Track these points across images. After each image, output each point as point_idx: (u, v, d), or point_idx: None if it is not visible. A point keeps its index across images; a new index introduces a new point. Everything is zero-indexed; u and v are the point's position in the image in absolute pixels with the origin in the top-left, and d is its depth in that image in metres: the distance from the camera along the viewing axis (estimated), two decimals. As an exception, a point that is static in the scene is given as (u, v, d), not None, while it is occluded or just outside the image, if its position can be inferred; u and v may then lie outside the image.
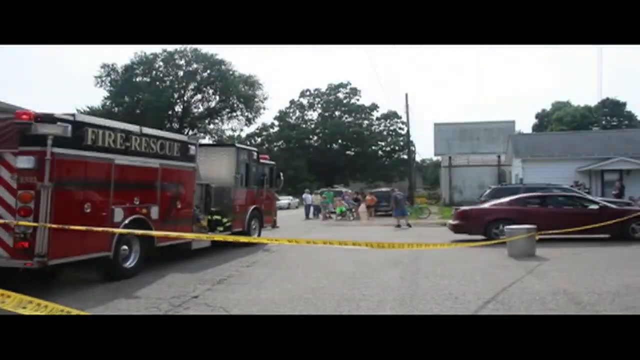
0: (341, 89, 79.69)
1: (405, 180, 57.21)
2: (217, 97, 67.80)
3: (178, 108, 67.09)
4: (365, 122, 79.41)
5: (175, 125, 64.26)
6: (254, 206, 15.93)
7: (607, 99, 72.44)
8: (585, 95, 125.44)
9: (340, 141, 77.77)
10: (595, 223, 14.69)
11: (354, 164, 76.12)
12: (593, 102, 79.75)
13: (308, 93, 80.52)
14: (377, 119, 79.87)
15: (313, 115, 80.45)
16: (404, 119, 57.05)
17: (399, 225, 23.42)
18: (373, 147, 77.94)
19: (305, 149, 76.36)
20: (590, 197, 18.79)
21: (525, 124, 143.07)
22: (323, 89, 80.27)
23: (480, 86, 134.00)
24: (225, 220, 14.06)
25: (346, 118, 79.10)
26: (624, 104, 75.20)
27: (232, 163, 14.82)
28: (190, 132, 61.25)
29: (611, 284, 8.46)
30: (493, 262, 11.41)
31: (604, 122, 67.43)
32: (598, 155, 33.06)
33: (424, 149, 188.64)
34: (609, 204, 16.40)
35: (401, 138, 74.40)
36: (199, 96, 68.04)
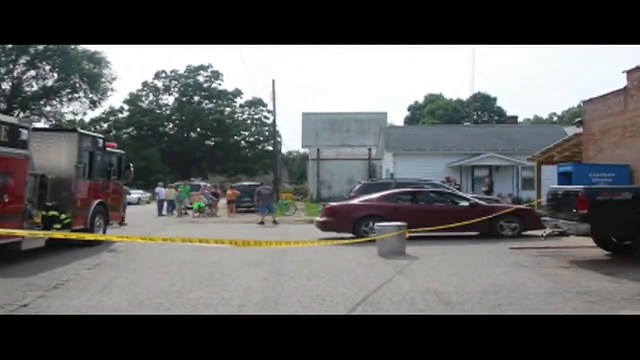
0: (201, 72, 78.38)
1: (270, 173, 57.71)
2: (56, 75, 63.64)
3: (6, 85, 62.08)
4: (228, 109, 78.91)
5: (3, 106, 59.47)
6: (98, 200, 15.26)
7: (479, 93, 78.14)
8: (458, 89, 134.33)
9: (199, 129, 76.59)
10: (466, 220, 15.80)
11: (213, 155, 75.35)
12: (465, 95, 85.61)
13: (164, 75, 78.32)
14: (241, 106, 79.69)
15: (169, 99, 78.55)
16: (271, 107, 57.39)
17: (262, 222, 23.60)
18: (235, 137, 77.69)
19: (159, 137, 74.30)
20: (461, 193, 20.16)
21: (398, 117, 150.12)
22: (181, 71, 78.51)
23: (360, 83, 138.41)
24: (63, 216, 13.33)
25: (206, 104, 78.05)
26: (495, 99, 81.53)
27: (73, 151, 14.09)
28: (22, 115, 56.97)
29: (480, 283, 9.15)
30: (362, 261, 11.86)
31: (475, 117, 72.58)
32: (469, 151, 35.55)
33: (292, 140, 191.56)
34: (479, 201, 17.70)
35: (267, 128, 74.84)
36: (32, 72, 63.44)
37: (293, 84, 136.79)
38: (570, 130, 30.58)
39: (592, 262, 11.42)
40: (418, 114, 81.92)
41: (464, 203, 17.06)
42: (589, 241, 12.77)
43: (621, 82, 18.14)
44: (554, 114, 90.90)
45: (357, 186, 23.87)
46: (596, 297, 7.86)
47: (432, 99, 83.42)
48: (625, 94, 18.06)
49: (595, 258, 11.96)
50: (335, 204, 17.89)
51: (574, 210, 10.86)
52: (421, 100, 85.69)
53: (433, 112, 77.17)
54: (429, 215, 16.16)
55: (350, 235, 15.79)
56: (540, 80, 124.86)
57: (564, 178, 18.23)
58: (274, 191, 27.35)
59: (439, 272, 10.28)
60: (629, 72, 17.87)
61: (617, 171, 17.32)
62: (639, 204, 10.57)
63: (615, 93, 18.72)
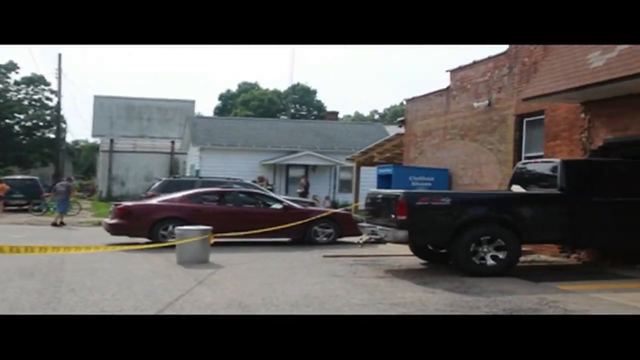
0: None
1: (50, 165, 54.61)
2: None
3: None
4: (-1, 85, 73.36)
5: None
6: None
7: (298, 84, 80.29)
8: (276, 78, 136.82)
9: (-43, 108, 70.22)
10: (278, 224, 16.12)
11: (-25, 141, 69.57)
12: (284, 86, 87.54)
13: None
14: (17, 83, 74.38)
15: None
16: (55, 87, 54.30)
17: (56, 224, 22.79)
18: (7, 121, 72.33)
19: None
20: (273, 195, 20.54)
21: (207, 106, 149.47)
22: None
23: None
24: None
25: (-32, 77, 71.78)
26: (315, 92, 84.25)
27: None
28: None
29: (290, 294, 9.36)
30: (158, 270, 11.65)
31: (293, 111, 74.45)
32: (285, 148, 36.36)
33: (82, 128, 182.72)
34: (293, 204, 18.15)
35: (49, 111, 70.67)
36: None
37: (88, 64, 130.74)
38: (392, 130, 32.50)
39: (407, 271, 12.19)
40: (230, 104, 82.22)
41: (277, 206, 17.40)
42: (405, 249, 13.62)
43: (446, 81, 19.65)
44: (376, 111, 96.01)
45: (157, 184, 23.48)
46: (410, 309, 8.40)
47: (246, 88, 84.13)
48: (447, 94, 19.58)
49: (411, 267, 12.78)
50: (129, 203, 17.45)
51: (393, 216, 11.50)
52: (234, 88, 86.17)
53: (247, 103, 77.87)
54: (237, 218, 16.29)
55: (146, 240, 15.47)
56: (363, 73, 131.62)
57: (383, 181, 19.31)
58: (72, 187, 26.09)
59: (246, 283, 10.38)
60: (452, 72, 19.41)
61: (437, 175, 18.69)
62: (457, 211, 11.47)
63: (438, 93, 20.22)
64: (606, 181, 12.05)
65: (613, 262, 12.83)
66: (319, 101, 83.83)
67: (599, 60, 11.80)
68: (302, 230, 16.76)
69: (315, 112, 79.61)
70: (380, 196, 12.70)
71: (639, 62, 10.71)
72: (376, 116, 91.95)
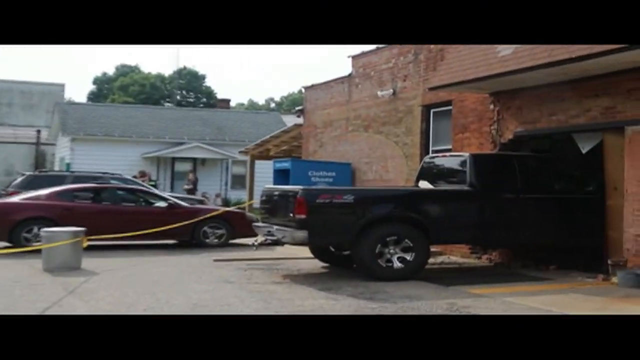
0: None
1: None
2: None
3: None
4: None
5: None
6: None
7: (185, 68, 79.21)
8: (159, 61, 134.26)
9: None
10: (163, 225, 15.78)
11: None
12: (168, 70, 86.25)
13: None
14: None
15: None
16: None
17: None
18: None
19: None
20: (157, 192, 20.12)
21: (80, 91, 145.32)
22: None
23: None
24: None
25: None
26: (204, 77, 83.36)
27: None
28: None
29: (177, 304, 9.13)
30: (20, 279, 11.18)
31: (179, 97, 73.43)
32: (170, 139, 35.76)
33: None
34: (179, 202, 17.82)
35: None
36: None
37: None
38: (290, 120, 32.56)
39: (308, 276, 12.16)
40: (107, 89, 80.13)
41: (161, 204, 17.07)
42: (305, 251, 13.60)
43: (348, 68, 19.77)
44: (272, 99, 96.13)
45: (19, 179, 22.47)
46: (312, 318, 8.34)
47: (125, 71, 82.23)
48: (350, 81, 19.73)
49: (311, 271, 12.77)
50: (-14, 201, 16.66)
51: (291, 215, 11.44)
52: (111, 72, 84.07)
53: (126, 88, 76.08)
54: (115, 218, 15.87)
55: (5, 244, 14.91)
56: (257, 57, 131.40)
57: (280, 176, 19.27)
58: None
59: (125, 292, 10.07)
60: (354, 58, 19.57)
61: (339, 170, 18.82)
62: (360, 209, 11.52)
63: (339, 80, 20.34)
64: (517, 177, 12.42)
65: (525, 263, 13.26)
66: (208, 87, 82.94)
67: (507, 49, 12.12)
68: (189, 231, 16.52)
69: (205, 100, 78.75)
70: (277, 193, 12.62)
71: (546, 52, 11.06)
72: (272, 105, 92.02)
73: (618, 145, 11.88)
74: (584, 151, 12.96)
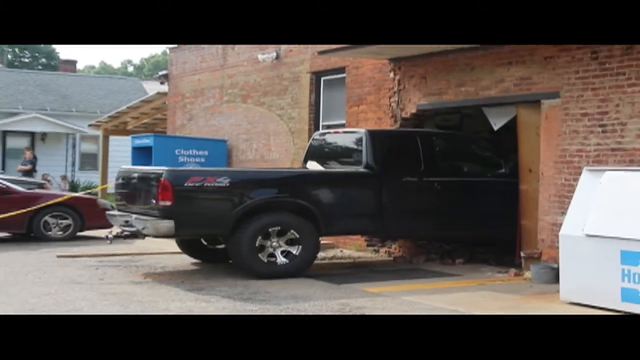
0: None
1: None
2: None
3: None
4: None
5: None
6: None
7: (18, 21, 76.64)
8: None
9: None
10: (-7, 214, 15.39)
11: None
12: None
13: None
14: None
15: None
16: None
17: None
18: None
19: None
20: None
21: None
22: None
23: None
24: None
25: None
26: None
27: None
28: None
29: (8, 311, 8.93)
30: None
31: (10, 57, 71.12)
32: (1, 109, 34.69)
33: None
34: (13, 185, 17.36)
35: None
36: None
37: None
38: (152, 87, 32.15)
39: (174, 274, 12.16)
40: None
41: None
42: (171, 245, 13.56)
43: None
44: (130, 62, 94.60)
45: None
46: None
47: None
48: (225, 41, 19.64)
49: (179, 269, 12.76)
50: None
51: (153, 201, 11.35)
52: None
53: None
54: None
55: None
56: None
57: (141, 155, 19.10)
58: None
59: (-53, 296, 9.81)
60: (231, 13, 19.47)
61: (213, 148, 18.83)
62: (238, 194, 11.54)
63: (212, 39, 20.19)
64: (420, 157, 12.74)
65: (429, 257, 13.68)
66: (48, 45, 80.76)
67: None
68: (26, 222, 16.24)
69: (44, 61, 76.60)
70: (136, 175, 12.46)
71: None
72: (130, 68, 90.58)
73: (533, 121, 12.32)
74: (495, 128, 13.41)
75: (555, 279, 10.39)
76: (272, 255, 11.52)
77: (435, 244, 14.12)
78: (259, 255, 11.44)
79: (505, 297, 10.16)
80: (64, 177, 33.05)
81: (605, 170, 9.89)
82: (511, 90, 12.31)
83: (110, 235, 14.36)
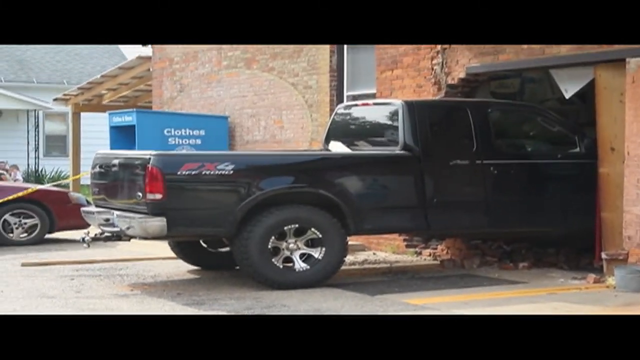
0: None
1: None
2: None
3: None
4: None
5: None
6: None
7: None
8: None
9: None
10: None
11: None
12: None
13: None
14: None
15: None
16: None
17: None
18: None
19: None
20: None
21: None
22: None
23: None
24: None
25: None
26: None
27: None
28: None
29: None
30: None
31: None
32: None
33: None
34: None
35: None
36: None
37: None
38: (132, 52, 32.09)
39: (168, 284, 12.19)
40: None
41: None
42: (164, 249, 13.55)
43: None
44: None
45: None
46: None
47: None
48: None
49: (173, 278, 12.79)
50: None
51: (140, 194, 11.32)
52: None
53: None
54: None
55: None
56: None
57: (121, 136, 19.12)
58: None
59: None
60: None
61: (211, 126, 18.79)
62: (245, 184, 11.47)
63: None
64: (473, 135, 12.61)
65: (485, 260, 13.57)
66: None
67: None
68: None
69: None
70: (116, 162, 12.40)
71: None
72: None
73: (616, 86, 12.13)
74: (567, 95, 13.29)
75: (647, 286, 10.29)
76: (288, 259, 11.52)
77: (493, 243, 14.03)
78: (273, 259, 11.42)
79: (583, 309, 9.97)
80: (14, 167, 32.51)
81: None
82: (588, 46, 12.11)
83: (87, 238, 14.39)
